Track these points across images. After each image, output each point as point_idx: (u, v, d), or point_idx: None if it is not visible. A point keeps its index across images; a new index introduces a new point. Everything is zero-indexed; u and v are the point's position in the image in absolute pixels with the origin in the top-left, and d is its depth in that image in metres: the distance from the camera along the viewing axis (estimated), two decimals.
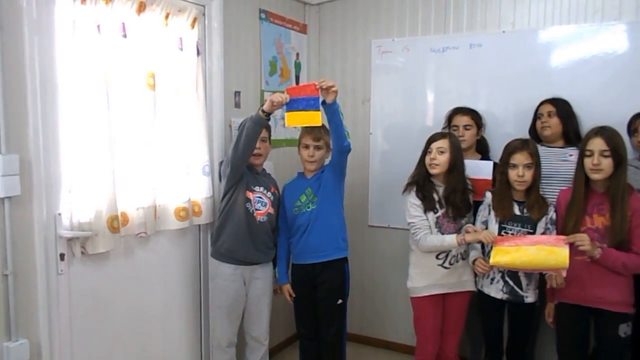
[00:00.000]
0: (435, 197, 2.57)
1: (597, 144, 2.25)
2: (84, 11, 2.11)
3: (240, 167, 2.56)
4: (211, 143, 2.81)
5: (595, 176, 2.26)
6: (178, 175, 2.60)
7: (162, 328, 2.68)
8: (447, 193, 2.56)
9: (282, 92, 2.48)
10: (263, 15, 3.25)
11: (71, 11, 2.08)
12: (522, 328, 2.59)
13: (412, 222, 2.56)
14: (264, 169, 2.80)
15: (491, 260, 2.31)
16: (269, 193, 2.70)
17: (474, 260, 2.48)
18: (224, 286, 2.65)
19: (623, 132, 2.56)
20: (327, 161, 2.78)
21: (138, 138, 2.38)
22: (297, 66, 3.62)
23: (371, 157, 3.58)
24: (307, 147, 2.72)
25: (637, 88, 2.80)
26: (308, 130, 2.71)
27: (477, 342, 2.99)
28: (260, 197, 2.65)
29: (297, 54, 3.61)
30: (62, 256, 2.12)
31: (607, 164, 2.23)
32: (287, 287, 2.79)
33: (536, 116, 2.89)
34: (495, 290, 2.51)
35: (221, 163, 2.73)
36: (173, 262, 2.72)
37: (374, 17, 3.52)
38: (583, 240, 2.18)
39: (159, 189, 2.50)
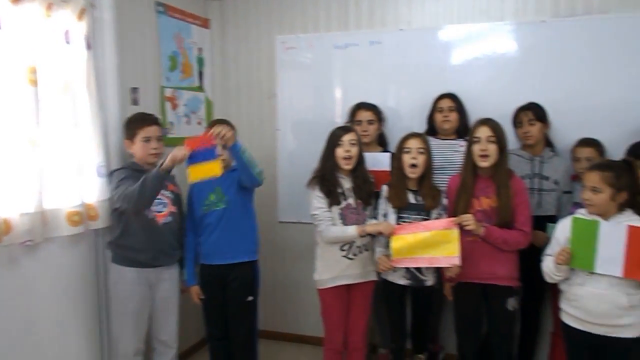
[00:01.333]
0: (340, 190, 2.61)
1: (484, 131, 2.43)
2: None
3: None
4: (107, 142, 2.66)
5: (483, 163, 2.43)
6: (68, 177, 2.44)
7: (57, 344, 2.49)
8: (357, 184, 2.61)
9: (182, 145, 2.41)
10: (160, 9, 3.13)
11: None
12: (425, 310, 2.73)
13: (315, 214, 2.60)
14: None
15: (392, 253, 2.41)
16: (167, 192, 2.62)
17: (379, 257, 2.54)
18: (127, 292, 2.54)
19: (508, 124, 2.80)
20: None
21: (19, 137, 2.20)
22: (200, 62, 3.53)
23: (279, 153, 3.59)
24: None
25: (521, 83, 3.02)
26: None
27: (385, 328, 3.09)
28: (159, 199, 2.55)
29: (200, 49, 3.53)
30: None
31: (493, 149, 2.41)
32: (196, 289, 2.72)
33: (435, 109, 3.02)
34: (398, 277, 2.60)
35: (112, 172, 2.59)
36: (67, 270, 2.54)
37: (278, 12, 3.52)
38: (468, 219, 2.36)
39: (46, 193, 2.32)
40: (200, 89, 3.55)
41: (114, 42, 2.68)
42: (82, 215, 2.48)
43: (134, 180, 2.41)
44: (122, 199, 2.41)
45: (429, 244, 2.38)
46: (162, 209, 2.57)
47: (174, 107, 3.28)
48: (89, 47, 2.52)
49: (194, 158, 2.40)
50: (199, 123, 3.51)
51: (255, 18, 3.57)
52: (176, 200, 2.66)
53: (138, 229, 2.51)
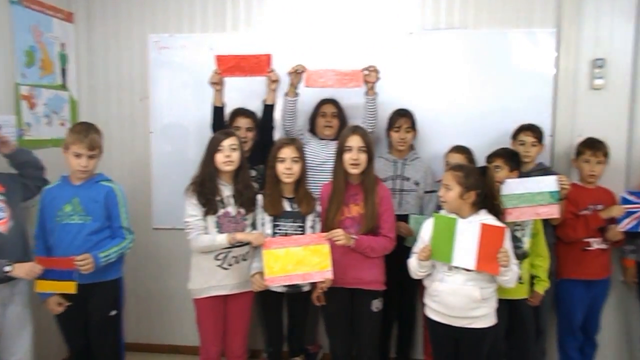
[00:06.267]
0: (218, 197, 2.55)
1: (356, 141, 2.49)
2: None
3: None
4: None
5: (353, 171, 2.50)
6: None
7: None
8: (238, 190, 2.57)
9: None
10: None
11: None
12: (301, 314, 2.76)
13: (187, 222, 2.53)
14: None
15: (265, 271, 2.38)
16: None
17: (253, 275, 2.51)
18: None
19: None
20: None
21: None
22: (62, 58, 3.27)
23: (153, 157, 3.44)
24: (78, 155, 2.47)
25: (393, 91, 3.15)
26: (80, 138, 2.46)
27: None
28: None
29: (62, 45, 3.27)
30: None
31: (363, 158, 2.49)
32: (55, 299, 2.48)
33: (318, 114, 3.08)
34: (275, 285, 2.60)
35: None
36: None
37: (151, 10, 3.37)
38: (339, 235, 2.39)
39: None
40: (63, 87, 3.28)
41: None
42: None
43: None
44: None
45: (301, 260, 2.39)
46: (2, 215, 2.34)
47: (32, 106, 3.00)
48: None
49: (49, 274, 2.34)
50: (62, 124, 3.24)
51: (126, 14, 3.39)
52: (9, 199, 2.44)
53: None
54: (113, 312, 2.58)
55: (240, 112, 3.06)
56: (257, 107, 3.11)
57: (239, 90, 3.14)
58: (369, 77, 2.86)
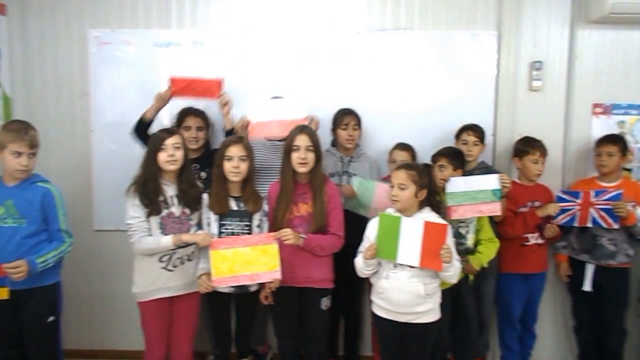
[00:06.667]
0: (162, 197, 2.49)
1: (303, 140, 2.50)
2: None
3: None
4: None
5: (301, 169, 2.50)
6: None
7: None
8: (182, 190, 2.52)
9: None
10: None
11: None
12: (249, 315, 2.73)
13: (130, 224, 2.47)
14: None
15: (213, 272, 2.36)
16: None
17: (199, 276, 2.47)
18: None
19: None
20: None
21: None
22: None
23: (94, 157, 3.31)
24: (19, 154, 2.36)
25: (340, 90, 3.20)
26: (21, 136, 2.36)
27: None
28: None
29: None
30: None
31: (311, 158, 2.50)
32: None
33: None
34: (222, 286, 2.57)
35: None
36: None
37: (90, 3, 3.25)
38: (287, 234, 2.39)
39: None
40: None
41: None
42: None
43: None
44: None
45: (249, 260, 2.37)
46: None
47: None
48: None
49: None
50: None
51: (64, 8, 3.25)
52: None
53: None
54: (51, 318, 2.49)
55: (190, 112, 3.01)
56: (203, 106, 3.07)
57: None
58: None
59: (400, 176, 2.38)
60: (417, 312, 2.37)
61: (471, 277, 2.80)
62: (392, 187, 2.40)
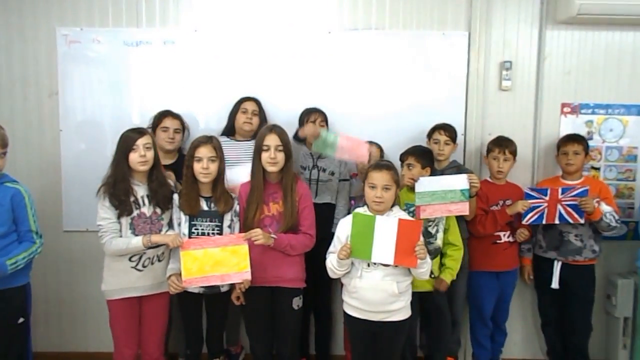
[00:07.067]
0: (132, 198, 2.47)
1: (273, 140, 2.49)
2: None
3: None
4: None
5: (271, 168, 2.50)
6: None
7: None
8: (152, 189, 2.50)
9: None
10: None
11: None
12: (220, 315, 2.73)
13: (100, 225, 2.44)
14: None
15: (183, 272, 2.35)
16: None
17: (169, 276, 2.46)
18: None
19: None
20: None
21: None
22: None
23: (63, 156, 3.27)
24: None
25: (313, 88, 3.21)
26: None
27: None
28: None
29: None
30: None
31: (281, 157, 2.50)
32: None
33: (239, 110, 3.05)
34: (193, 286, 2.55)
35: None
36: None
37: (58, 1, 3.19)
38: (257, 234, 2.38)
39: None
40: None
41: None
42: None
43: None
44: None
45: (220, 261, 2.37)
46: None
47: None
48: None
49: None
50: None
51: (31, 5, 3.19)
52: None
53: None
54: (20, 320, 2.45)
55: (168, 113, 3.02)
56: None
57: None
58: None
59: (385, 177, 2.36)
60: (389, 310, 2.38)
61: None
62: (372, 187, 2.37)
